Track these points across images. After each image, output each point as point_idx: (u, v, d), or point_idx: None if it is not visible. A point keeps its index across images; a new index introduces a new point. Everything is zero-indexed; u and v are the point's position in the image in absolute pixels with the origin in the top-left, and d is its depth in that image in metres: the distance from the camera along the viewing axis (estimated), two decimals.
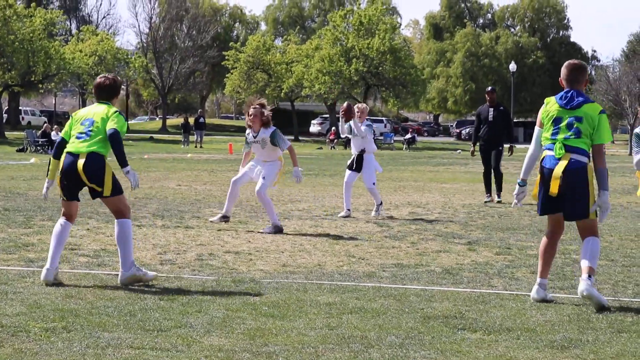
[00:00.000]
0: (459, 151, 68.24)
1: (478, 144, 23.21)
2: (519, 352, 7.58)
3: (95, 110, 10.58)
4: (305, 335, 8.00)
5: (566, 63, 10.05)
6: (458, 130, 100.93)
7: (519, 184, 10.15)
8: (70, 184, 10.38)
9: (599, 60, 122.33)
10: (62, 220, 10.60)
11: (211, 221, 16.30)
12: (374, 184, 18.54)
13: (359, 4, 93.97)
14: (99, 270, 11.37)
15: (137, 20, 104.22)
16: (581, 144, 9.57)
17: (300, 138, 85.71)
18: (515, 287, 10.73)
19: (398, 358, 7.36)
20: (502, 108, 23.11)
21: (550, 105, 9.81)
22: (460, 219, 18.36)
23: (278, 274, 11.32)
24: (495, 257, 13.10)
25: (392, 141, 77.25)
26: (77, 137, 10.44)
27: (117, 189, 10.38)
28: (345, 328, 8.31)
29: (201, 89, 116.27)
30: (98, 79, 10.87)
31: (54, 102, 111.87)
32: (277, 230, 15.58)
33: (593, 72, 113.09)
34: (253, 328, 8.24)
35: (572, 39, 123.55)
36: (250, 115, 15.75)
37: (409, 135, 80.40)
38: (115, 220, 10.50)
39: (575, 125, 9.59)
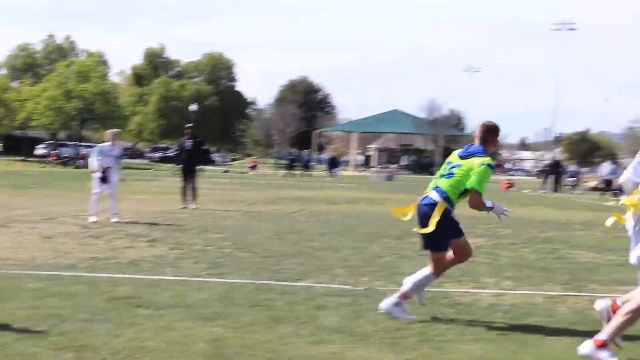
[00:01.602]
0: (152, 169, 67.44)
1: (181, 166, 23.43)
2: (179, 323, 7.61)
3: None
4: (14, 315, 7.71)
5: (481, 122, 8.41)
6: (152, 155, 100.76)
7: None
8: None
9: (257, 104, 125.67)
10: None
11: None
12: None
13: (79, 56, 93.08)
14: None
15: None
16: (446, 186, 8.19)
17: (29, 159, 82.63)
18: (182, 274, 10.72)
19: (85, 329, 7.21)
20: (198, 139, 23.65)
21: (454, 153, 8.46)
22: (147, 222, 18.20)
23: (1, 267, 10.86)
24: (169, 252, 13.06)
25: None
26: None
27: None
28: (47, 308, 8.06)
29: None
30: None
31: None
32: None
33: (253, 113, 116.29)
34: None
35: (237, 88, 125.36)
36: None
37: None
38: None
39: (454, 171, 8.19)
